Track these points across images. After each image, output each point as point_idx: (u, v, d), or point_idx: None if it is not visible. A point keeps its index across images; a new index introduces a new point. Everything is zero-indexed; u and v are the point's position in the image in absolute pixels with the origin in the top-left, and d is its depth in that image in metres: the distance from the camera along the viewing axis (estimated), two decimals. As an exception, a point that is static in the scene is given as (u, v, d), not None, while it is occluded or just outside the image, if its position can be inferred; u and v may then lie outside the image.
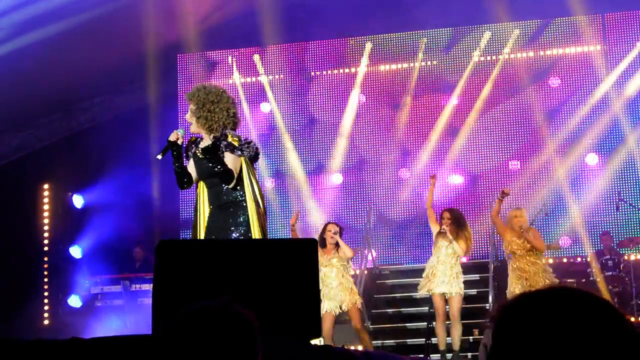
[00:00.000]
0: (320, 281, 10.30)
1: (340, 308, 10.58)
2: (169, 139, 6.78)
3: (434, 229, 10.96)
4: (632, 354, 1.67)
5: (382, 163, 15.57)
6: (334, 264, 10.63)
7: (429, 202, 11.15)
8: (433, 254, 10.86)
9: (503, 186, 14.80)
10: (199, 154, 6.94)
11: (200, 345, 2.27)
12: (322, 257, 10.51)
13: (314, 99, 16.01)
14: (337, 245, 10.69)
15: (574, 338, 1.65)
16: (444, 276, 10.65)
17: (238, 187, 6.91)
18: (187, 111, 7.07)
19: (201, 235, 6.92)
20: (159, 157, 6.76)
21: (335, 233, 10.68)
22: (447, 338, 11.07)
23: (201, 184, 7.02)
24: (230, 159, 6.83)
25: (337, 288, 10.58)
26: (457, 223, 10.78)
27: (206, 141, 6.95)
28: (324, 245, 10.65)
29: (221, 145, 6.81)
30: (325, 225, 10.94)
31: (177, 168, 6.92)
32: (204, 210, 6.95)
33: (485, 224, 14.36)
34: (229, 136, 6.89)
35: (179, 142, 6.82)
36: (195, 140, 7.09)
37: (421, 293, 11.10)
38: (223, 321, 2.34)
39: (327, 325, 10.34)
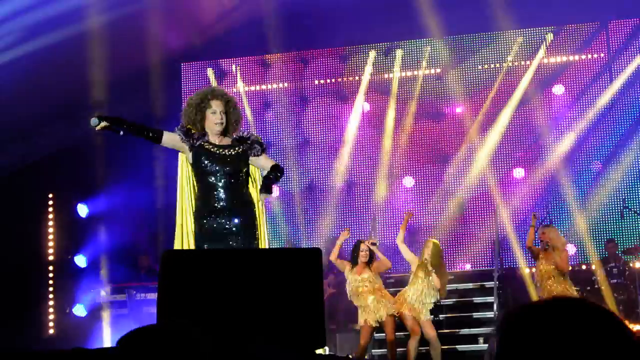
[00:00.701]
0: (355, 296, 10.49)
1: (378, 322, 10.64)
2: (98, 128, 6.66)
3: (413, 261, 10.99)
4: None
5: (387, 171, 15.54)
6: (365, 279, 10.73)
7: (401, 237, 11.14)
8: (411, 283, 10.88)
9: (508, 193, 14.84)
10: (211, 149, 6.85)
11: None
12: (354, 276, 10.74)
13: (318, 107, 16.01)
14: (368, 261, 10.78)
15: (577, 347, 1.66)
16: (418, 303, 10.70)
17: (252, 186, 7.01)
18: (218, 109, 6.91)
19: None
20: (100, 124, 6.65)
21: (368, 249, 10.79)
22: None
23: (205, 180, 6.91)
24: (266, 157, 7.00)
25: (373, 302, 10.65)
26: (439, 256, 10.86)
27: (214, 139, 6.91)
28: (356, 263, 10.78)
29: (259, 142, 6.95)
30: (358, 244, 11.01)
31: (128, 129, 6.78)
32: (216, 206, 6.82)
33: (489, 233, 14.36)
34: (259, 137, 7.03)
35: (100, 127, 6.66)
36: (197, 134, 6.95)
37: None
38: (173, 344, 2.41)
39: (364, 339, 10.51)
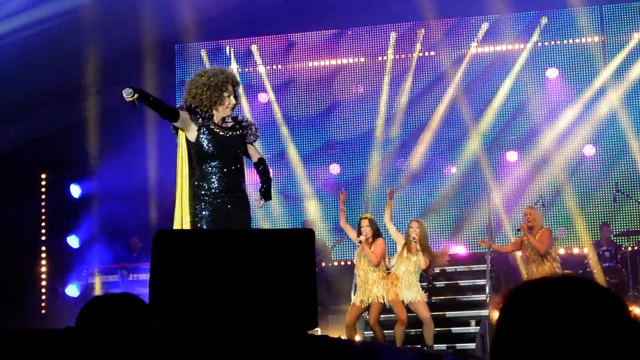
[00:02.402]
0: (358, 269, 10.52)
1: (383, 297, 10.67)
2: (129, 99, 6.54)
3: (398, 239, 11.00)
4: (633, 342, 1.69)
5: (380, 153, 15.54)
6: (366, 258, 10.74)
7: (388, 217, 11.14)
8: (397, 263, 10.89)
9: (500, 177, 14.86)
10: (219, 132, 6.90)
11: (101, 329, 2.62)
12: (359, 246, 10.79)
13: (312, 89, 15.99)
14: (372, 238, 10.75)
15: (578, 325, 1.68)
16: (407, 285, 10.71)
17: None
18: (233, 94, 7.01)
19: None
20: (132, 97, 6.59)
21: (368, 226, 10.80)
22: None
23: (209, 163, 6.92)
24: (255, 147, 7.20)
25: (372, 281, 10.69)
26: (424, 235, 10.86)
27: (219, 120, 6.95)
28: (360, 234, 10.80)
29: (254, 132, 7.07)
30: (360, 221, 11.01)
31: (151, 102, 6.73)
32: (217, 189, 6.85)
33: (481, 215, 14.39)
34: (255, 124, 7.16)
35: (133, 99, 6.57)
36: (203, 114, 6.97)
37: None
38: (120, 305, 2.66)
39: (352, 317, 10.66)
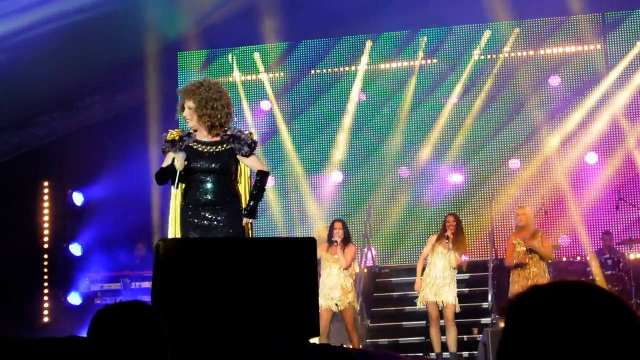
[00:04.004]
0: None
1: (337, 306, 10.67)
2: (178, 168, 6.66)
3: (430, 241, 10.99)
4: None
5: (383, 161, 15.55)
6: (336, 261, 10.74)
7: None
8: (429, 262, 10.86)
9: (503, 185, 14.86)
10: (199, 148, 6.92)
11: (112, 338, 2.61)
12: (327, 254, 10.72)
13: (315, 97, 16.00)
14: (343, 243, 10.76)
15: (585, 330, 1.68)
16: (438, 285, 10.68)
17: (240, 181, 7.09)
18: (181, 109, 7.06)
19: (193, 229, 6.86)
20: (175, 188, 6.75)
21: (341, 228, 10.79)
22: (443, 337, 11.13)
23: (194, 178, 6.95)
24: (255, 159, 7.05)
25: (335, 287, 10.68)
26: (459, 230, 10.82)
27: (203, 136, 6.96)
28: (331, 243, 10.77)
29: (249, 143, 6.94)
30: (332, 223, 11.05)
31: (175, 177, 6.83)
32: (199, 204, 6.87)
33: (484, 223, 14.37)
34: (253, 135, 7.10)
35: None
36: (189, 134, 7.05)
37: (419, 305, 11.12)
38: (133, 315, 2.65)
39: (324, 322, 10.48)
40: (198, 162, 6.84)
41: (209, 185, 6.82)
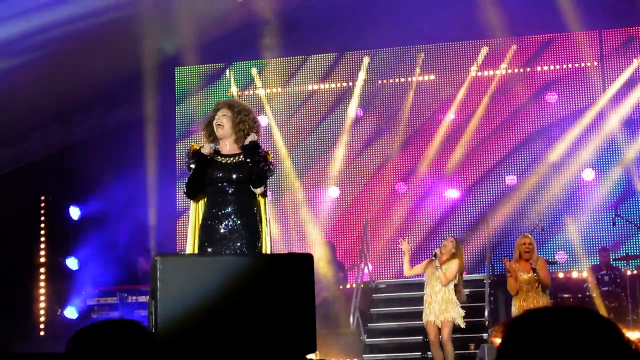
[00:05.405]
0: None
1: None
2: (205, 152, 6.92)
3: (423, 266, 10.99)
4: None
5: (379, 177, 15.57)
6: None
7: (407, 269, 11.12)
8: (427, 284, 10.86)
9: (500, 201, 14.87)
10: (220, 159, 7.04)
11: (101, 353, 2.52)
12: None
13: (312, 112, 16.02)
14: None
15: (578, 355, 1.68)
16: (437, 303, 10.64)
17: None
18: (207, 117, 7.24)
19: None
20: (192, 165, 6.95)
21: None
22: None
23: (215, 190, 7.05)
24: None
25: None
26: (449, 252, 10.75)
27: (224, 147, 7.09)
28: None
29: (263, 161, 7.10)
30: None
31: (199, 176, 7.02)
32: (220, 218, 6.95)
33: (480, 239, 14.39)
34: (269, 155, 7.24)
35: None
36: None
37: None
38: (124, 332, 2.58)
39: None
40: (218, 173, 6.98)
41: (225, 196, 6.95)
